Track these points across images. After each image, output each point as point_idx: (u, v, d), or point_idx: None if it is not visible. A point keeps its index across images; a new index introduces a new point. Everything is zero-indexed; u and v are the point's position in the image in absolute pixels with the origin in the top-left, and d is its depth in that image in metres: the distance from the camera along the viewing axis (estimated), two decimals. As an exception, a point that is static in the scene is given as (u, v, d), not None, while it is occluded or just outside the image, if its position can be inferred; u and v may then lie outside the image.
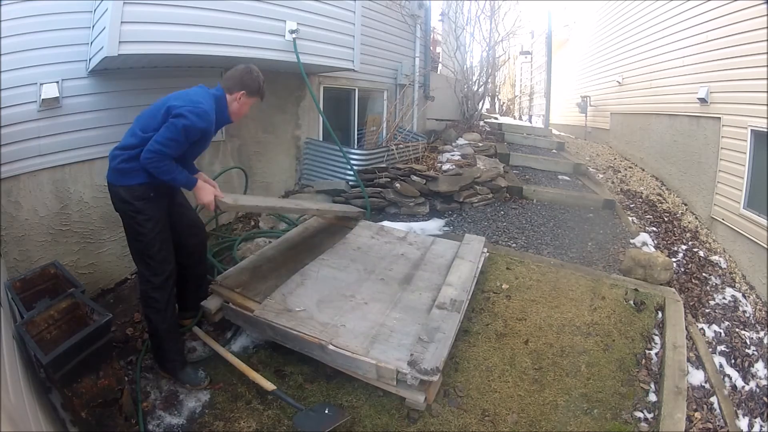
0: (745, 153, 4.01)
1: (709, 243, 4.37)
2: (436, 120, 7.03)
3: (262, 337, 2.46)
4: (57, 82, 2.73)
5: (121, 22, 2.53)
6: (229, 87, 2.27)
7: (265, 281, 2.67)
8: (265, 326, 2.34)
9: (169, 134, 2.02)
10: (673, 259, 3.82)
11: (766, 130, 3.75)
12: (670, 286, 3.35)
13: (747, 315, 3.40)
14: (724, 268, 3.98)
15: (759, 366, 2.86)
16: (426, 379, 2.03)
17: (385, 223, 3.94)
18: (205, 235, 2.65)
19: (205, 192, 2.26)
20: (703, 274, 3.80)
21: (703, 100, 4.71)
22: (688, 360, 2.65)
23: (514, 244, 3.93)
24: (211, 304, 2.53)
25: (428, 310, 2.49)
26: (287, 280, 2.65)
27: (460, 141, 6.03)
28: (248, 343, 2.58)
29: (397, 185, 4.35)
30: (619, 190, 5.63)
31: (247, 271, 2.71)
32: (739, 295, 3.61)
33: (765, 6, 3.74)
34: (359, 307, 2.49)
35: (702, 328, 3.11)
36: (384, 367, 2.05)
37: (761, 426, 2.43)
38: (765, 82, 3.70)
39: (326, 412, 2.04)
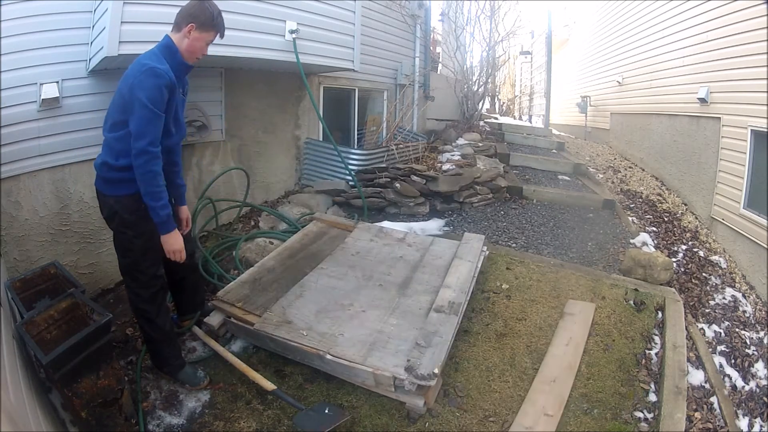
0: (745, 153, 4.01)
1: (709, 243, 4.37)
2: (436, 120, 7.03)
3: (265, 348, 2.48)
4: (57, 82, 2.73)
5: (121, 22, 2.53)
6: (177, 23, 1.97)
7: (266, 293, 2.69)
8: (265, 338, 2.37)
9: (141, 118, 1.79)
10: (673, 259, 3.82)
11: (766, 130, 3.74)
12: (670, 286, 3.35)
13: (747, 315, 3.40)
14: (724, 268, 3.98)
15: (759, 366, 2.86)
16: (423, 384, 2.04)
17: (385, 224, 3.94)
18: (194, 250, 2.63)
19: (176, 240, 2.01)
20: (703, 274, 3.79)
21: (703, 100, 4.71)
22: (688, 360, 2.65)
23: (514, 244, 3.93)
24: (214, 320, 2.57)
25: (426, 314, 2.49)
26: (287, 291, 2.68)
27: (460, 141, 6.03)
28: (248, 344, 2.58)
29: (397, 185, 4.35)
30: (619, 190, 5.63)
31: (247, 284, 2.73)
32: (739, 295, 3.61)
33: (765, 6, 3.74)
34: (357, 315, 2.50)
35: (702, 328, 3.11)
36: (381, 374, 2.06)
37: (761, 426, 2.43)
38: (765, 82, 3.70)
39: (326, 411, 2.03)
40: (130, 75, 1.85)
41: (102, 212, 2.10)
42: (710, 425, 2.31)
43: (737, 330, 3.19)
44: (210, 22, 1.98)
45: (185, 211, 2.34)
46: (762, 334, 3.18)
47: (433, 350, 2.19)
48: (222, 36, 2.09)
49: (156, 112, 1.82)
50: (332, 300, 2.63)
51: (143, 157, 1.82)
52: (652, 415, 2.27)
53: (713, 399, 2.48)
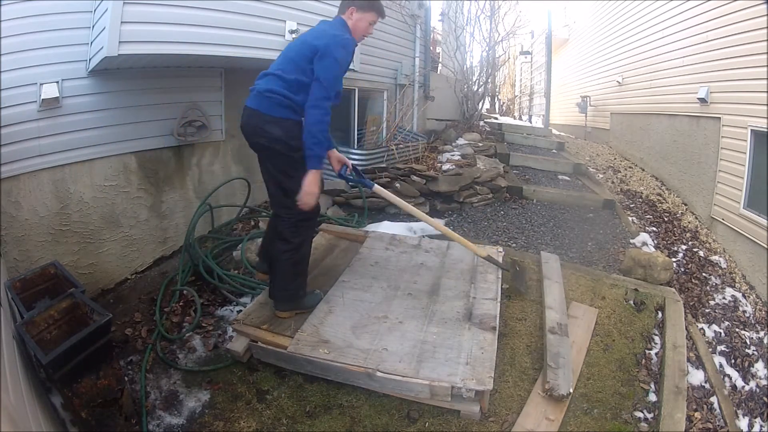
0: (745, 153, 4.01)
1: (709, 243, 4.37)
2: (436, 120, 7.03)
3: (299, 371, 2.35)
4: (57, 82, 2.73)
5: (121, 22, 2.53)
6: (341, 9, 2.30)
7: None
8: (301, 361, 2.24)
9: (330, 73, 2.07)
10: (673, 259, 3.82)
11: (766, 130, 3.75)
12: (670, 286, 3.35)
13: (747, 315, 3.40)
14: (724, 268, 3.98)
15: (759, 366, 2.86)
16: (481, 389, 2.02)
17: (385, 224, 3.95)
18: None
19: (314, 186, 2.16)
20: (703, 274, 3.80)
21: (703, 100, 4.71)
22: (688, 360, 2.65)
23: (514, 244, 3.93)
24: (238, 345, 2.39)
25: (462, 319, 2.46)
26: (313, 311, 2.55)
27: (460, 141, 6.03)
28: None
29: (397, 185, 4.35)
30: (619, 190, 5.63)
31: (267, 305, 2.57)
32: (739, 295, 3.61)
33: (765, 6, 3.74)
34: (396, 327, 2.41)
35: (702, 328, 3.11)
36: (438, 386, 2.01)
37: (761, 426, 2.43)
38: (765, 82, 3.70)
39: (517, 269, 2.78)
40: (324, 42, 2.10)
41: (257, 139, 2.19)
42: (710, 425, 2.31)
43: (737, 330, 3.19)
44: (369, 6, 2.26)
45: (336, 153, 2.62)
46: (762, 334, 3.19)
47: (484, 355, 2.16)
48: (382, 17, 2.33)
49: (341, 73, 2.15)
50: (364, 313, 2.52)
51: (320, 108, 2.07)
52: (652, 415, 2.27)
53: (713, 399, 2.48)
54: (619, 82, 7.44)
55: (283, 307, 2.46)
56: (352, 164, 2.70)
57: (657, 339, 2.79)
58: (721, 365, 2.81)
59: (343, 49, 2.12)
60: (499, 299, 2.68)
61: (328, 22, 2.31)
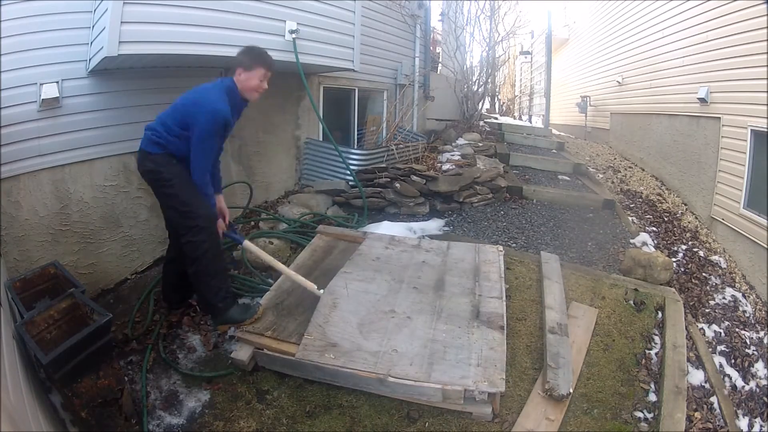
0: (745, 153, 4.01)
1: (709, 243, 4.37)
2: (436, 120, 7.03)
3: (308, 378, 2.30)
4: (57, 82, 2.73)
5: (121, 22, 2.53)
6: (231, 69, 2.40)
7: (293, 317, 2.47)
8: (310, 368, 2.17)
9: (202, 144, 2.23)
10: (673, 259, 3.82)
11: (766, 130, 3.75)
12: (670, 286, 3.35)
13: (747, 315, 3.40)
14: (724, 268, 3.98)
15: (759, 366, 2.86)
16: (494, 391, 2.01)
17: (385, 224, 3.95)
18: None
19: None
20: (703, 274, 3.79)
21: (703, 100, 4.71)
22: (688, 360, 2.65)
23: (514, 244, 3.93)
24: (242, 354, 2.32)
25: (470, 317, 2.45)
26: (317, 305, 2.45)
27: (460, 141, 6.03)
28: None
29: (397, 185, 4.35)
30: (619, 190, 5.63)
31: (270, 310, 2.52)
32: (739, 295, 3.61)
33: (765, 6, 3.74)
34: (404, 323, 2.37)
35: (702, 328, 3.11)
36: (451, 390, 1.99)
37: (761, 426, 2.43)
38: (765, 82, 3.70)
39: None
40: (200, 103, 2.22)
41: (143, 176, 2.42)
42: (710, 425, 2.31)
43: (737, 330, 3.19)
44: (255, 61, 2.34)
45: (221, 200, 2.64)
46: (762, 334, 3.19)
47: (495, 355, 2.15)
48: (269, 70, 2.39)
49: (216, 137, 2.29)
50: (370, 307, 2.46)
51: (200, 173, 2.30)
52: (652, 415, 2.27)
53: (713, 399, 2.48)
54: (619, 82, 7.43)
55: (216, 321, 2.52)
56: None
57: (657, 339, 2.79)
58: (721, 365, 2.81)
59: (213, 120, 2.22)
60: (504, 298, 2.68)
61: (214, 85, 2.34)
